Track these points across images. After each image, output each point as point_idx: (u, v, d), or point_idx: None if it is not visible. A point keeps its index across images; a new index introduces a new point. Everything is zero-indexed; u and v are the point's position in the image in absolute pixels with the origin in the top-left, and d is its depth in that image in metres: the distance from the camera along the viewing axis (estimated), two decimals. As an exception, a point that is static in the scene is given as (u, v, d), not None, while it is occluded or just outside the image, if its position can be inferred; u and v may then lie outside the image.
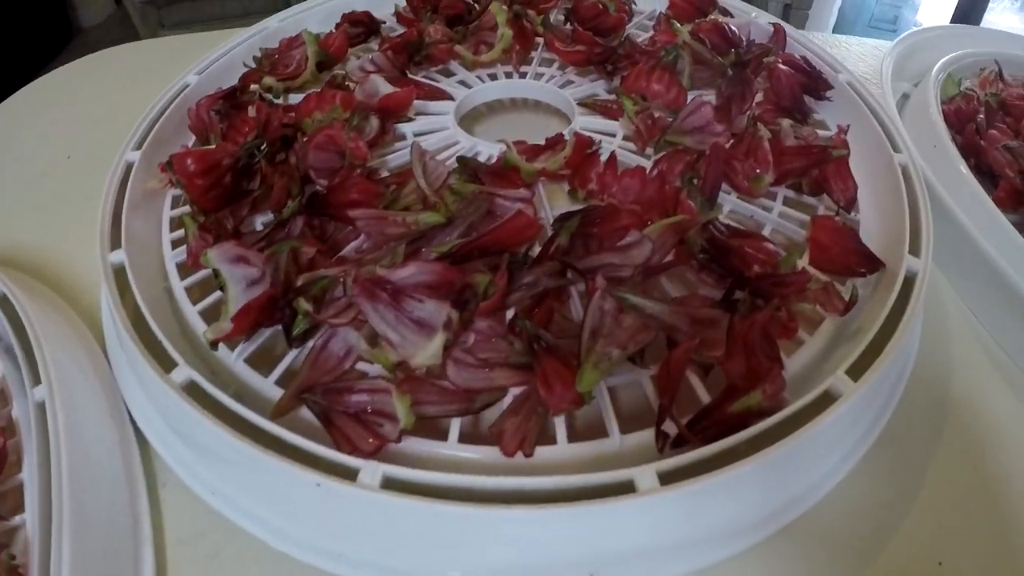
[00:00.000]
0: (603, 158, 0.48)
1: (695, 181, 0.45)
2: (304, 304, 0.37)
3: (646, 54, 0.58)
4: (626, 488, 0.30)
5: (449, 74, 0.63)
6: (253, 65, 0.60)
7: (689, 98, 0.53)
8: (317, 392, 0.35)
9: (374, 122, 0.50)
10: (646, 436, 0.34)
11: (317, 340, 0.37)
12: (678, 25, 0.59)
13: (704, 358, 0.36)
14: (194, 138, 0.54)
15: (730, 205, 0.47)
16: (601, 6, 0.63)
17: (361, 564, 0.33)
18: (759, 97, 0.56)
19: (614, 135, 0.54)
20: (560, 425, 0.35)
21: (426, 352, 0.34)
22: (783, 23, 0.63)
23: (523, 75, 0.62)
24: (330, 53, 0.60)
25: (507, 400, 0.35)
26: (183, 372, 0.36)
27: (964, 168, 0.51)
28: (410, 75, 0.60)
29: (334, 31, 0.63)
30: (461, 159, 0.47)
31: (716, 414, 0.34)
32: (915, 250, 0.42)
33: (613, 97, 0.55)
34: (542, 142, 0.50)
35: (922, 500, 0.37)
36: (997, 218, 0.47)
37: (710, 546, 0.33)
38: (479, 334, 0.35)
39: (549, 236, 0.40)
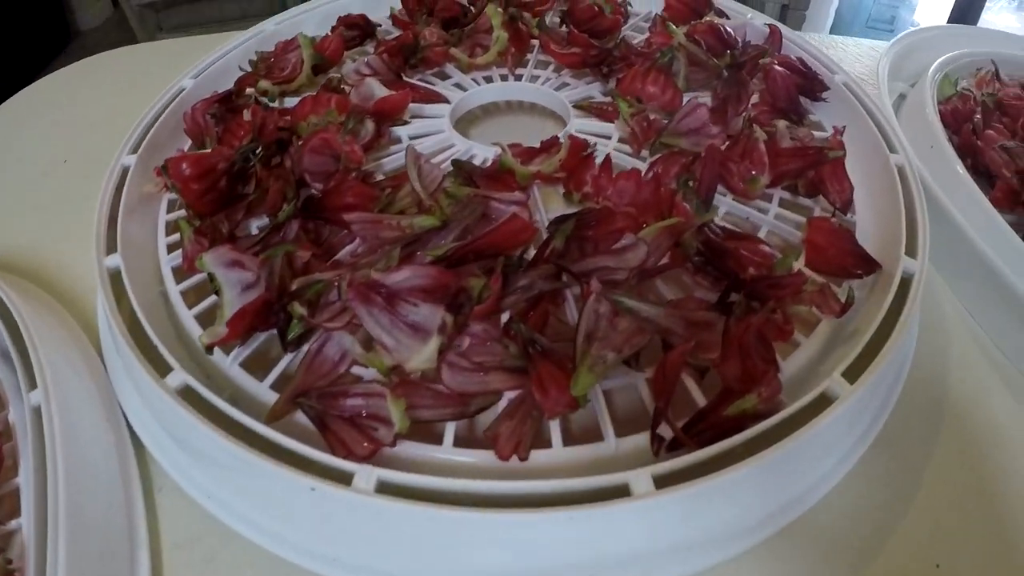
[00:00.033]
0: (598, 161, 0.48)
1: (691, 183, 0.45)
2: (299, 308, 0.37)
3: (642, 56, 0.58)
4: (621, 492, 0.30)
5: (445, 77, 0.63)
6: (249, 69, 0.60)
7: (685, 100, 0.53)
8: (312, 396, 0.35)
9: (369, 125, 0.50)
10: (642, 439, 0.34)
11: (312, 344, 0.37)
12: (674, 27, 0.59)
13: (700, 361, 0.36)
14: (190, 142, 0.54)
15: (726, 207, 0.47)
16: (597, 8, 0.63)
17: (356, 568, 0.33)
18: (755, 99, 0.56)
19: (610, 137, 0.54)
20: (555, 429, 0.34)
21: (421, 356, 0.34)
22: (779, 24, 0.63)
23: (519, 78, 0.62)
24: (326, 56, 0.60)
25: (502, 404, 0.35)
26: (178, 376, 0.36)
27: (961, 168, 0.51)
28: (405, 78, 0.60)
29: (330, 34, 0.63)
30: (456, 162, 0.47)
31: (712, 417, 0.34)
32: (911, 251, 0.42)
33: (609, 99, 0.55)
34: (537, 145, 0.50)
35: (920, 502, 0.37)
36: (994, 218, 0.47)
37: (707, 549, 0.33)
38: (474, 337, 0.35)
39: (544, 239, 0.40)
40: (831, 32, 2.10)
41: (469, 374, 0.35)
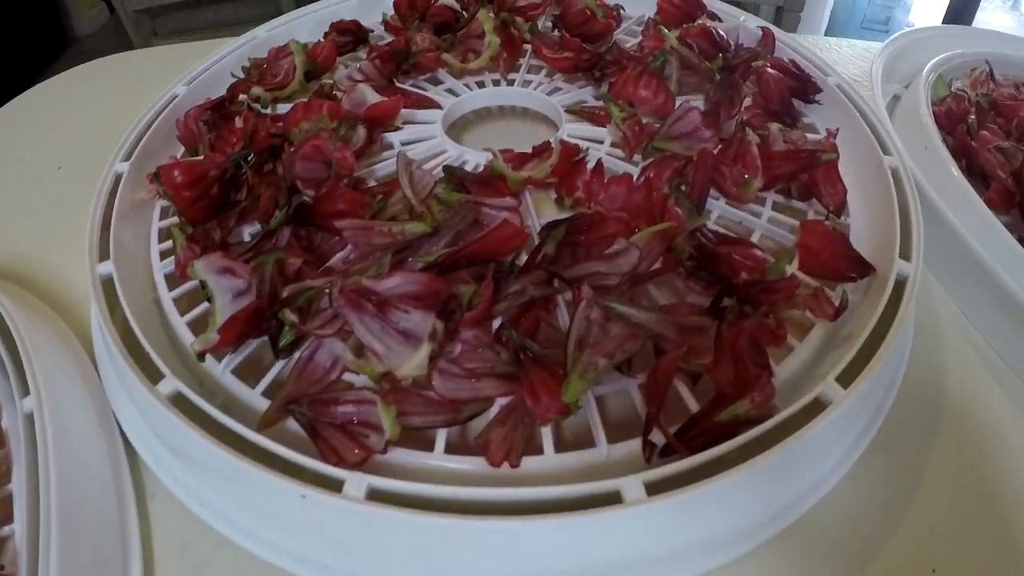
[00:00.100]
0: (590, 166, 0.48)
1: (683, 188, 0.45)
2: (290, 315, 0.37)
3: (634, 60, 0.58)
4: (613, 499, 0.30)
5: (437, 82, 0.63)
6: (242, 75, 0.60)
7: (677, 104, 0.53)
8: (303, 403, 0.35)
9: (361, 132, 0.50)
10: (634, 446, 0.34)
11: (303, 351, 0.37)
12: (665, 30, 0.59)
13: (692, 366, 0.35)
14: (183, 149, 0.54)
15: (719, 211, 0.47)
16: (589, 12, 0.63)
17: (347, 575, 0.33)
18: (748, 102, 0.56)
19: (602, 142, 0.54)
20: (547, 435, 0.34)
21: (411, 363, 0.34)
22: (771, 26, 0.63)
23: (511, 83, 0.62)
24: (318, 62, 0.60)
25: (494, 410, 0.35)
26: (170, 383, 0.36)
27: (955, 170, 0.51)
28: (398, 84, 0.60)
29: (322, 40, 0.63)
30: (447, 168, 0.47)
31: (704, 423, 0.34)
32: (906, 254, 0.42)
33: (601, 104, 0.55)
34: (529, 150, 0.50)
35: (917, 504, 0.37)
36: (989, 220, 0.47)
37: (700, 555, 0.33)
38: (465, 344, 0.35)
39: (536, 245, 0.40)
40: (826, 34, 2.10)
41: (460, 381, 0.35)
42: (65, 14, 2.59)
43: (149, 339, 0.38)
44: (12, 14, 2.23)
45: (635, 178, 0.46)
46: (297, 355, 0.38)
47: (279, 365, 0.38)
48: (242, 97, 0.57)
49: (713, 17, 0.65)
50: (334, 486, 0.31)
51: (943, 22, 2.05)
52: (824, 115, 0.57)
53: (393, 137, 0.54)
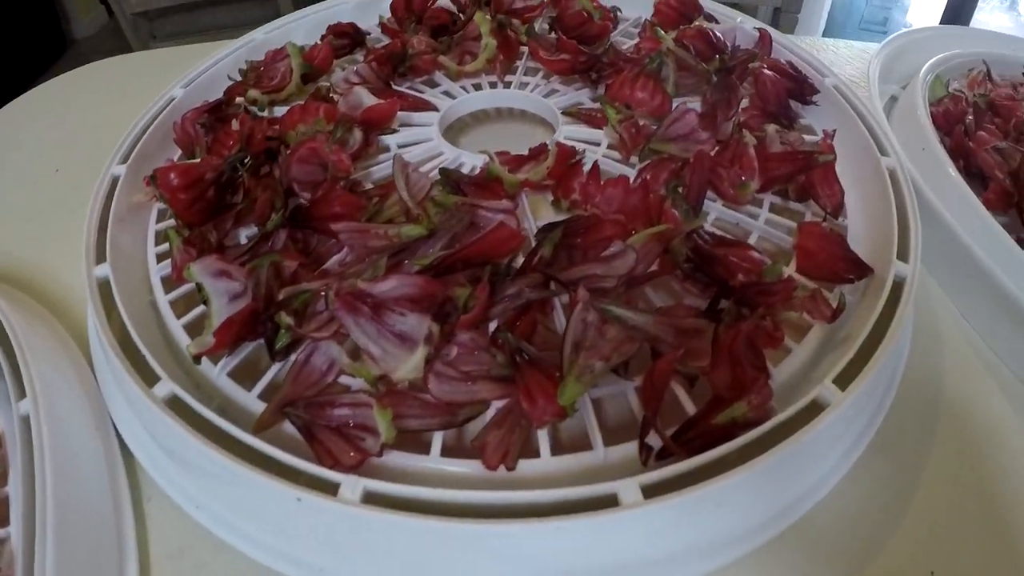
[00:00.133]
0: (587, 168, 0.48)
1: (680, 189, 0.45)
2: (286, 318, 0.37)
3: (630, 62, 0.58)
4: (609, 502, 0.30)
5: (434, 85, 0.63)
6: (239, 78, 0.60)
7: (674, 105, 0.53)
8: (299, 406, 0.35)
9: (357, 134, 0.50)
10: (631, 448, 0.34)
11: (299, 354, 0.37)
12: (662, 32, 0.59)
13: (689, 369, 0.35)
14: (180, 151, 0.54)
15: (716, 213, 0.47)
16: (586, 14, 0.63)
17: (343, 579, 0.32)
18: (745, 103, 0.56)
19: (599, 144, 0.54)
20: (544, 438, 0.34)
21: (407, 366, 0.34)
22: (768, 28, 0.63)
23: (508, 85, 0.62)
24: (315, 65, 0.60)
25: (490, 413, 0.35)
26: (166, 386, 0.36)
27: (953, 170, 0.51)
28: (394, 86, 0.60)
29: (319, 43, 0.63)
30: (443, 171, 0.47)
31: (701, 425, 0.34)
32: (903, 255, 0.42)
33: (598, 106, 0.55)
34: (526, 152, 0.50)
35: (915, 506, 0.37)
36: (986, 220, 0.47)
37: (697, 558, 0.33)
38: (461, 347, 0.35)
39: (532, 247, 0.40)
40: (824, 35, 2.10)
41: (456, 383, 0.34)
42: (64, 16, 2.59)
43: (145, 342, 0.38)
44: (10, 16, 2.23)
45: (632, 180, 0.46)
46: (293, 358, 0.38)
47: (275, 368, 0.38)
48: (239, 100, 0.57)
49: (710, 19, 0.65)
50: (330, 489, 0.31)
51: (940, 22, 2.05)
52: (821, 116, 0.57)
53: (390, 140, 0.54)
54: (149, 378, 0.36)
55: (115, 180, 0.49)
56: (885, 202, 0.46)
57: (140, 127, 0.54)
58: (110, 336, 0.38)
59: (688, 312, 0.37)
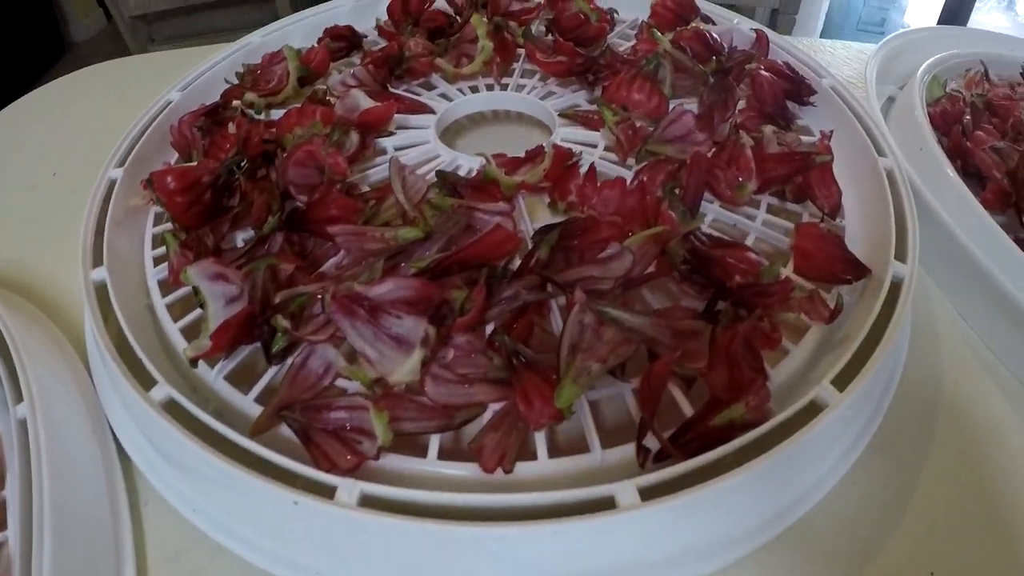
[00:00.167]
0: (584, 169, 0.48)
1: (676, 191, 0.44)
2: (282, 321, 0.37)
3: (627, 63, 0.58)
4: (607, 504, 0.30)
5: (430, 87, 0.63)
6: (235, 81, 0.60)
7: (671, 107, 0.53)
8: (296, 409, 0.35)
9: (354, 137, 0.50)
10: (629, 450, 0.34)
11: (296, 357, 0.37)
12: (659, 34, 0.59)
13: (687, 370, 0.35)
14: (177, 155, 0.54)
15: (713, 214, 0.47)
16: (583, 16, 0.63)
17: (340, 582, 0.32)
18: (742, 104, 0.56)
19: (595, 146, 0.54)
20: (541, 440, 0.34)
21: (404, 368, 0.34)
22: (765, 29, 0.63)
23: (504, 87, 0.62)
24: (312, 68, 0.60)
25: (487, 416, 0.35)
26: (162, 390, 0.36)
27: (950, 170, 0.51)
28: (391, 89, 0.60)
29: (316, 46, 0.63)
30: (440, 173, 0.47)
31: (699, 427, 0.34)
32: (901, 255, 0.42)
33: (594, 108, 0.55)
34: (523, 155, 0.50)
35: (914, 507, 0.37)
36: (984, 220, 0.46)
37: (696, 560, 0.33)
38: (458, 349, 0.35)
39: (529, 249, 0.40)
40: (821, 36, 2.10)
41: (453, 386, 0.34)
42: (62, 20, 2.59)
43: (142, 345, 0.38)
44: (9, 20, 2.24)
45: (628, 182, 0.46)
46: (290, 361, 0.37)
47: (272, 371, 0.38)
48: (236, 103, 0.57)
49: (707, 20, 0.65)
50: (326, 492, 0.31)
51: (938, 23, 2.05)
52: (819, 117, 0.57)
53: (386, 142, 0.54)
54: (146, 382, 0.36)
55: (112, 184, 0.49)
56: (883, 202, 0.46)
57: (137, 131, 0.54)
58: (107, 340, 0.38)
59: (685, 314, 0.37)
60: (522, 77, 0.63)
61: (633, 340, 0.35)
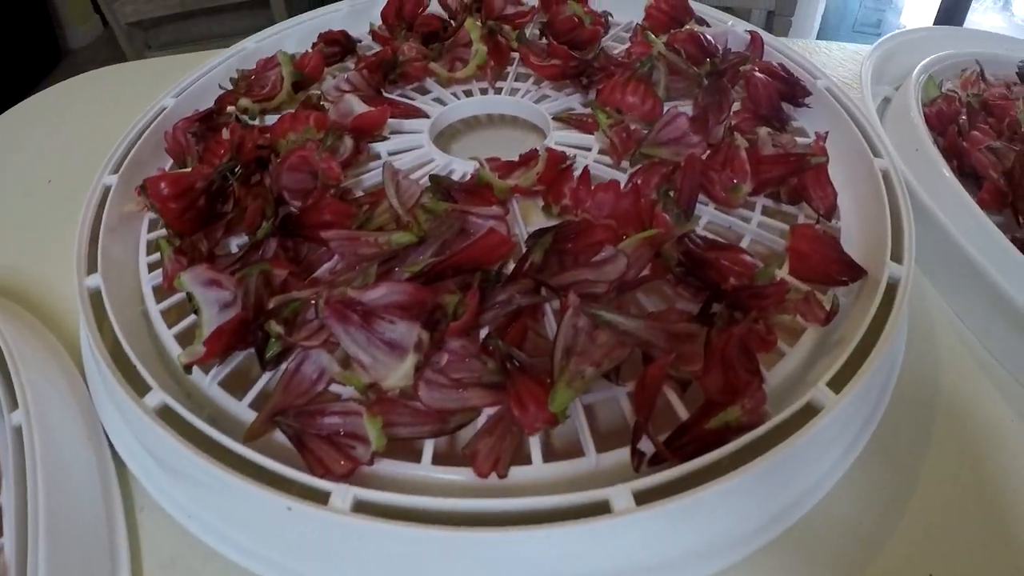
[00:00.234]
0: (578, 173, 0.48)
1: (671, 193, 0.44)
2: (275, 327, 0.37)
3: (621, 66, 0.58)
4: (601, 508, 0.30)
5: (425, 92, 0.63)
6: (230, 87, 0.60)
7: (665, 109, 0.53)
8: (290, 415, 0.35)
9: (348, 142, 0.50)
10: (624, 454, 0.34)
11: (290, 363, 0.37)
12: (653, 36, 0.59)
13: (682, 373, 0.35)
14: (172, 161, 0.54)
15: (708, 216, 0.47)
16: (577, 19, 0.63)
17: (335, 588, 0.32)
18: (736, 106, 0.56)
19: (590, 149, 0.53)
20: (535, 445, 0.34)
21: (397, 373, 0.34)
22: (760, 31, 0.63)
23: (498, 91, 0.62)
24: (306, 73, 0.60)
25: (481, 420, 0.35)
26: (156, 396, 0.36)
27: (947, 171, 0.51)
28: (385, 93, 0.60)
29: (310, 51, 0.63)
30: (433, 177, 0.47)
31: (694, 430, 0.33)
32: (897, 256, 0.42)
33: (589, 111, 0.55)
34: (517, 158, 0.50)
35: (912, 508, 0.37)
36: (981, 220, 0.46)
37: (692, 563, 0.33)
38: (452, 354, 0.35)
39: (523, 253, 0.40)
40: (817, 37, 2.11)
41: (447, 391, 0.34)
42: (59, 26, 2.59)
43: (137, 351, 0.38)
44: (6, 27, 2.24)
45: (623, 185, 0.46)
46: (284, 367, 0.37)
47: (266, 377, 0.38)
48: (230, 109, 0.57)
49: (701, 22, 0.65)
50: (320, 498, 0.31)
51: (934, 23, 2.05)
52: (814, 118, 0.57)
53: (380, 147, 0.54)
54: (140, 388, 0.36)
55: (107, 190, 0.49)
56: (878, 203, 0.46)
57: (131, 137, 0.54)
58: (101, 346, 0.38)
59: (680, 316, 0.36)
60: (516, 81, 0.63)
61: (627, 343, 0.34)
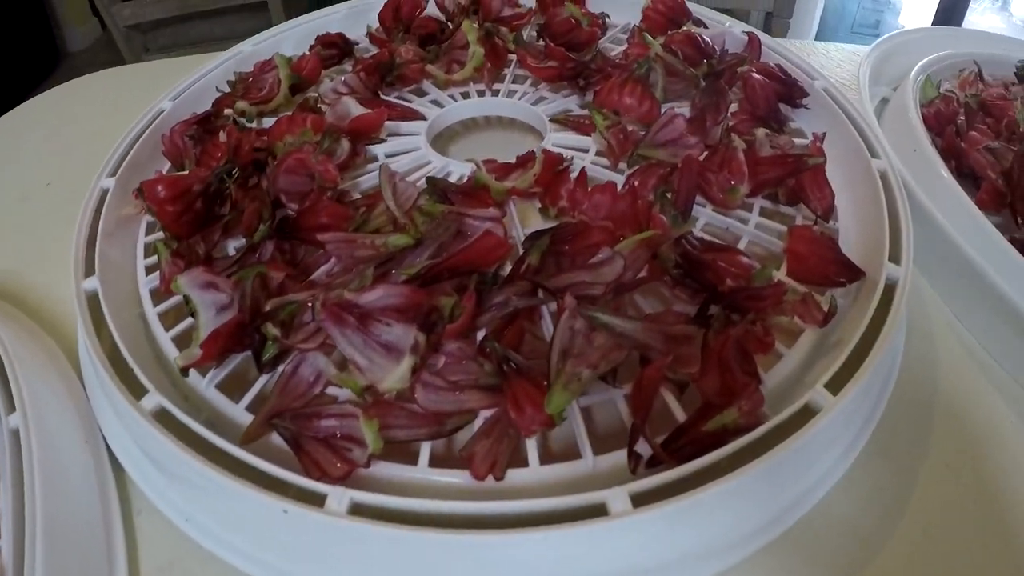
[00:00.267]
0: (575, 174, 0.48)
1: (668, 195, 0.44)
2: (272, 329, 0.37)
3: (618, 68, 0.58)
4: (598, 511, 0.30)
5: (422, 94, 0.63)
6: (227, 90, 0.60)
7: (663, 110, 0.52)
8: (287, 418, 0.35)
9: (345, 144, 0.50)
10: (621, 457, 0.33)
11: (287, 365, 0.37)
12: (650, 37, 0.59)
13: (679, 375, 0.35)
14: (169, 164, 0.54)
15: (705, 218, 0.47)
16: (574, 21, 0.63)
17: (332, 591, 0.32)
18: (734, 107, 0.56)
19: (587, 151, 0.53)
20: (532, 447, 0.34)
21: (394, 376, 0.33)
22: (757, 32, 0.63)
23: (496, 93, 0.62)
24: (303, 76, 0.60)
25: (478, 423, 0.35)
26: (153, 399, 0.36)
27: (945, 171, 0.51)
28: (382, 96, 0.60)
29: (307, 54, 0.63)
30: (430, 179, 0.47)
31: (691, 432, 0.33)
32: (895, 257, 0.42)
33: (586, 112, 0.55)
34: (514, 160, 0.50)
35: (911, 509, 0.37)
36: (979, 221, 0.46)
37: (689, 566, 0.33)
38: (449, 356, 0.35)
39: (520, 255, 0.40)
40: (816, 38, 2.11)
41: (443, 393, 0.34)
42: (58, 29, 2.60)
43: (134, 354, 0.38)
44: (4, 30, 2.24)
45: (620, 186, 0.46)
46: (280, 369, 0.37)
47: (263, 379, 0.38)
48: (227, 111, 0.57)
49: (699, 23, 0.65)
50: (317, 501, 0.31)
51: (932, 24, 2.05)
52: (811, 119, 0.57)
53: (377, 149, 0.54)
54: (137, 390, 0.36)
55: (104, 193, 0.49)
56: (876, 204, 0.45)
57: (129, 140, 0.54)
58: (99, 349, 0.38)
59: (677, 318, 0.36)
60: (513, 83, 0.63)
61: (624, 345, 0.34)
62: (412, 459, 0.34)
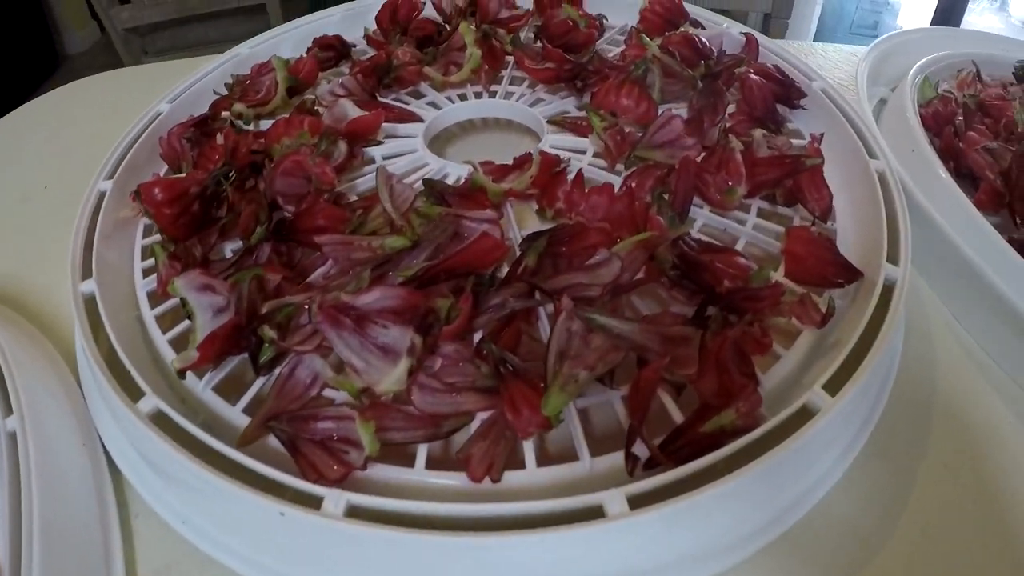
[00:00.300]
0: (572, 176, 0.48)
1: (665, 196, 0.44)
2: (269, 332, 0.37)
3: (616, 69, 0.58)
4: (595, 513, 0.30)
5: (419, 96, 0.63)
6: (225, 92, 0.60)
7: (660, 112, 0.52)
8: (283, 420, 0.35)
9: (342, 146, 0.50)
10: (618, 458, 0.33)
11: (283, 368, 0.37)
12: (647, 39, 0.59)
13: (676, 377, 0.35)
14: (166, 166, 0.54)
15: (703, 219, 0.47)
16: (571, 22, 0.63)
17: (328, 594, 0.32)
18: (731, 108, 0.56)
19: (584, 152, 0.53)
20: (529, 449, 0.34)
21: (390, 378, 0.33)
22: (755, 33, 0.63)
23: (493, 95, 0.62)
24: (300, 78, 0.60)
25: (475, 425, 0.35)
26: (150, 401, 0.36)
27: (943, 172, 0.51)
28: (380, 98, 0.59)
29: (304, 56, 0.63)
30: (427, 181, 0.46)
31: (689, 434, 0.33)
32: (894, 258, 0.42)
33: (583, 114, 0.55)
34: (511, 162, 0.50)
35: (910, 510, 0.37)
36: (978, 221, 0.46)
37: (687, 568, 0.33)
38: (446, 358, 0.35)
39: (517, 257, 0.40)
40: (814, 39, 2.11)
41: (440, 395, 0.34)
42: (56, 32, 2.60)
43: (132, 357, 0.38)
44: (3, 33, 2.24)
45: (617, 188, 0.46)
46: (277, 372, 0.37)
47: (260, 382, 0.38)
48: (225, 114, 0.57)
49: (696, 25, 0.65)
50: (313, 503, 0.31)
51: (930, 24, 2.05)
52: (809, 120, 0.57)
53: (375, 151, 0.54)
54: (134, 393, 0.36)
55: (102, 195, 0.49)
56: (874, 205, 0.45)
57: (126, 143, 0.54)
58: (96, 352, 0.38)
59: (675, 320, 0.36)
60: (510, 84, 0.63)
61: (622, 347, 0.34)
62: (409, 461, 0.34)
